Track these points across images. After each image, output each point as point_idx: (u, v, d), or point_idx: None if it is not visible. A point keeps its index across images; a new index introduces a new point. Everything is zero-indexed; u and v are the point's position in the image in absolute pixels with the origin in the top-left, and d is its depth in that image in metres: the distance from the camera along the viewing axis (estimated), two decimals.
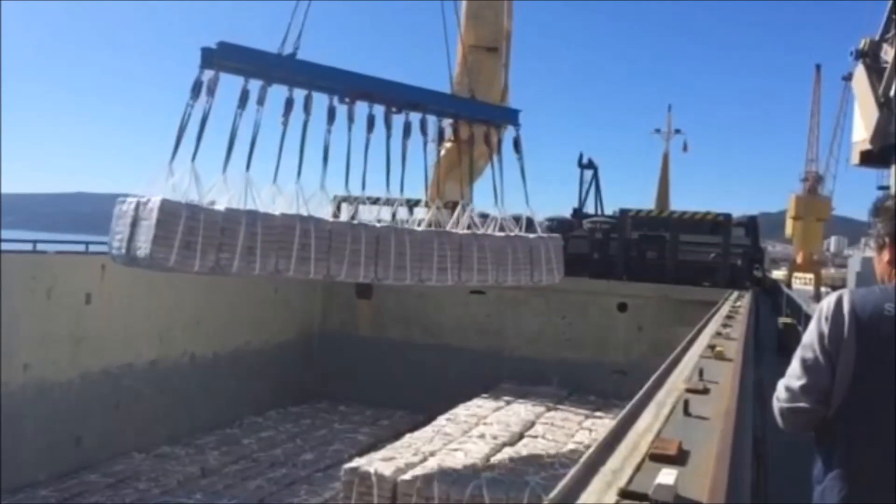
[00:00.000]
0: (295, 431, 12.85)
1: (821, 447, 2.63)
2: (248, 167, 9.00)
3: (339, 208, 15.76)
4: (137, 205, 8.14)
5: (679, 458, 2.13)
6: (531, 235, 11.40)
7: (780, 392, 2.69)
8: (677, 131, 48.63)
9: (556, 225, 16.10)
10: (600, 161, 27.24)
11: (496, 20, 24.53)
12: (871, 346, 2.46)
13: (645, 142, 50.18)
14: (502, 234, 10.95)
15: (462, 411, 12.28)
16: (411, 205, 15.48)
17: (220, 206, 8.29)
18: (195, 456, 11.21)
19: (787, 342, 12.59)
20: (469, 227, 10.71)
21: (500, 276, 10.56)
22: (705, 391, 3.20)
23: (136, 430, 11.46)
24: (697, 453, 2.21)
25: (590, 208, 25.59)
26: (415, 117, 10.58)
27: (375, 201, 12.58)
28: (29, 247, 10.87)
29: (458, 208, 11.04)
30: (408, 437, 10.85)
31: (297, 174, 9.54)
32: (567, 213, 22.29)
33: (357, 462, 9.35)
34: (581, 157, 27.00)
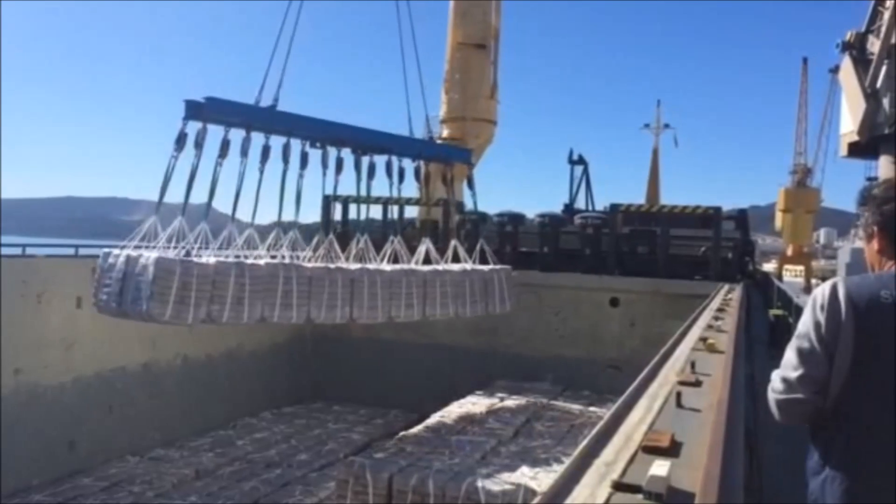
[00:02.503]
0: (289, 432, 12.84)
1: (818, 438, 2.59)
2: (233, 217, 9.75)
3: (330, 207, 15.80)
4: (127, 259, 8.56)
5: (672, 450, 2.14)
6: (485, 268, 12.41)
7: (776, 383, 2.64)
8: (666, 126, 48.77)
9: (547, 221, 16.14)
10: (590, 157, 27.40)
11: (484, 18, 24.63)
12: (869, 333, 2.42)
13: (634, 137, 50.42)
14: (459, 267, 11.92)
15: (456, 409, 12.30)
16: (401, 203, 15.54)
17: (211, 259, 8.80)
18: (189, 458, 11.18)
19: (778, 334, 12.63)
20: (427, 254, 11.71)
21: (459, 308, 11.64)
22: (697, 383, 3.21)
23: (129, 433, 11.42)
24: (690, 445, 2.22)
25: (581, 204, 25.69)
26: (379, 158, 11.61)
27: (366, 200, 12.81)
28: (18, 251, 10.82)
29: (421, 245, 11.99)
30: (402, 436, 10.86)
31: (277, 218, 10.44)
32: (558, 209, 22.35)
33: (352, 461, 9.36)
34: (571, 153, 27.10)
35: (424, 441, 10.37)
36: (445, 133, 24.92)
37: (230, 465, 11.04)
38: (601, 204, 23.80)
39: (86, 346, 10.78)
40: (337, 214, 16.20)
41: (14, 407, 9.82)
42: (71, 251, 11.52)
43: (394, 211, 16.10)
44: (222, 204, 10.13)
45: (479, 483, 8.55)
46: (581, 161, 26.91)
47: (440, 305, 11.23)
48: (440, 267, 11.65)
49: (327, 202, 15.09)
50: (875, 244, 2.69)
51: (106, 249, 8.93)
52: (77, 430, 10.76)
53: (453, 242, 12.37)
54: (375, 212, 16.10)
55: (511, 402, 12.82)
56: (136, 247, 8.89)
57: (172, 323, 8.48)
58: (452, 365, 14.60)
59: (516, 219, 16.36)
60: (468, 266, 12.12)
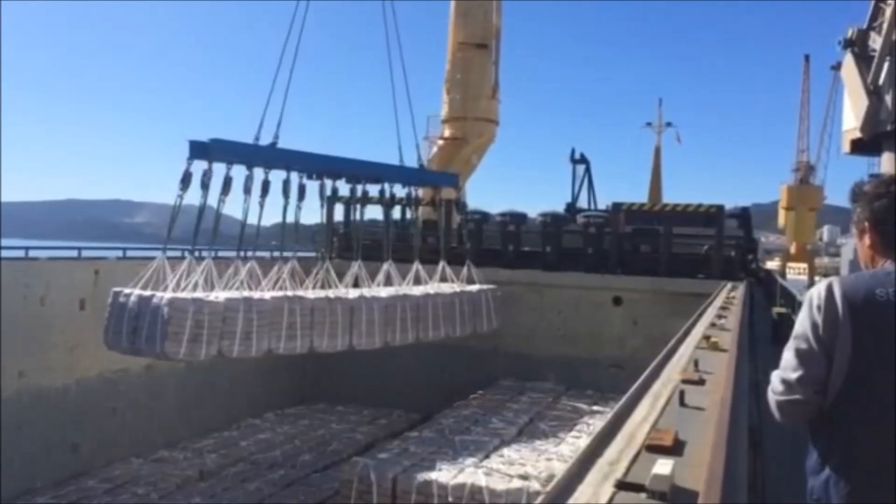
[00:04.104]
0: (293, 433, 12.84)
1: (818, 438, 2.57)
2: (237, 252, 10.12)
3: (331, 208, 15.83)
4: (139, 299, 8.85)
5: (675, 449, 2.13)
6: (474, 289, 13.03)
7: (776, 385, 2.62)
8: (668, 124, 48.77)
9: (549, 220, 16.14)
10: (592, 156, 27.33)
11: (485, 17, 24.59)
12: (866, 332, 2.41)
13: (637, 136, 50.45)
14: (450, 289, 12.54)
15: (459, 409, 12.30)
16: (403, 204, 15.56)
17: (220, 296, 9.13)
18: (193, 459, 11.18)
19: (781, 332, 12.59)
20: (417, 273, 12.30)
21: (449, 330, 12.24)
22: (701, 382, 3.20)
23: (133, 434, 11.43)
24: (693, 443, 2.21)
25: (583, 203, 25.66)
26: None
27: (367, 201, 12.91)
28: (21, 254, 10.83)
29: (414, 266, 12.54)
30: (406, 436, 10.86)
31: (280, 252, 10.95)
32: (560, 208, 22.33)
33: (356, 461, 9.37)
34: (573, 152, 27.05)
35: (428, 441, 10.37)
36: (447, 133, 24.89)
37: (234, 465, 11.05)
38: (603, 203, 23.74)
39: (89, 348, 10.78)
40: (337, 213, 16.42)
41: (18, 409, 9.83)
42: (74, 253, 11.53)
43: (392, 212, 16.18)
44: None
45: (483, 483, 8.55)
46: (583, 160, 26.87)
47: (432, 328, 11.81)
48: (431, 290, 12.18)
49: (330, 204, 15.14)
50: (867, 240, 2.69)
51: (116, 289, 9.23)
52: (80, 431, 10.77)
53: (442, 263, 12.88)
54: (378, 210, 16.18)
55: (514, 401, 12.81)
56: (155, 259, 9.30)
57: (185, 360, 8.83)
58: (455, 365, 14.59)
59: (519, 218, 16.35)
60: (457, 287, 12.72)
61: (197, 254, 9.97)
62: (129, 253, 12.58)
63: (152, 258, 12.89)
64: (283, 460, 11.33)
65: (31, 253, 10.98)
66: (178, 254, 10.95)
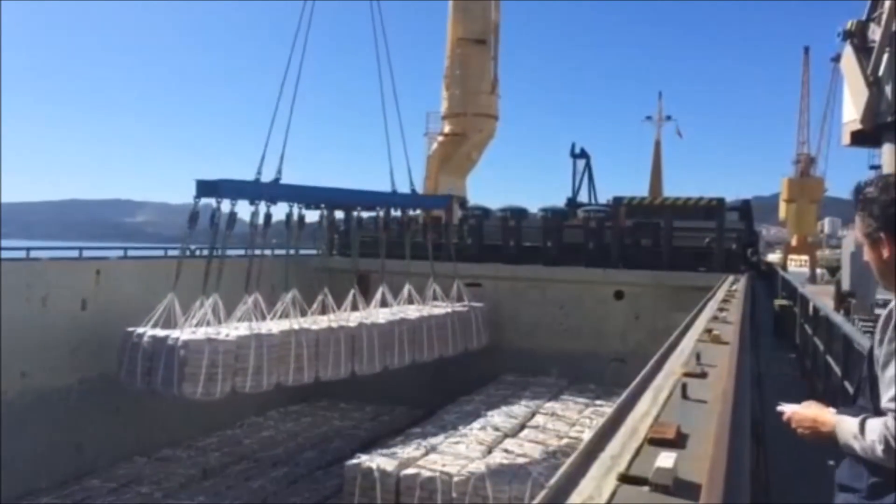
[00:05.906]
0: (295, 430, 12.86)
1: None
2: (246, 287, 10.35)
3: (332, 213, 15.88)
4: (153, 340, 9.08)
5: (678, 442, 2.13)
6: (464, 308, 13.57)
7: None
8: (668, 118, 48.75)
9: (550, 215, 16.15)
10: (593, 150, 27.40)
11: (483, 13, 24.61)
12: None
13: (637, 130, 50.38)
14: (442, 311, 13.04)
15: (462, 405, 12.31)
16: (406, 207, 15.61)
17: (231, 334, 9.39)
18: (196, 458, 11.20)
19: (783, 324, 12.59)
20: (409, 296, 12.99)
21: (442, 350, 12.70)
22: (703, 375, 3.19)
23: (136, 434, 11.43)
24: (696, 436, 2.20)
25: (583, 197, 25.70)
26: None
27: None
28: (22, 254, 10.84)
29: (405, 287, 13.12)
30: (409, 432, 10.87)
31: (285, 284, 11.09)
32: (561, 203, 22.34)
33: (359, 458, 9.38)
34: (573, 146, 27.09)
35: (431, 437, 10.38)
36: (447, 129, 24.88)
37: (237, 464, 11.07)
38: (604, 197, 23.78)
39: (91, 347, 10.79)
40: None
41: (20, 410, 9.83)
42: (75, 254, 11.53)
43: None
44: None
45: (487, 477, 8.56)
46: (583, 154, 26.92)
47: (427, 349, 12.30)
48: (426, 312, 12.68)
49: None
50: (885, 252, 2.52)
51: (129, 328, 9.46)
52: (84, 431, 10.77)
53: (433, 286, 13.34)
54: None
55: (517, 396, 12.82)
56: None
57: (201, 398, 9.07)
58: (458, 360, 14.58)
59: (519, 213, 16.37)
60: (449, 308, 13.21)
61: (198, 252, 10.03)
62: (131, 252, 12.59)
63: (153, 258, 12.94)
64: (287, 458, 11.35)
65: (33, 253, 10.98)
66: (178, 253, 11.02)
